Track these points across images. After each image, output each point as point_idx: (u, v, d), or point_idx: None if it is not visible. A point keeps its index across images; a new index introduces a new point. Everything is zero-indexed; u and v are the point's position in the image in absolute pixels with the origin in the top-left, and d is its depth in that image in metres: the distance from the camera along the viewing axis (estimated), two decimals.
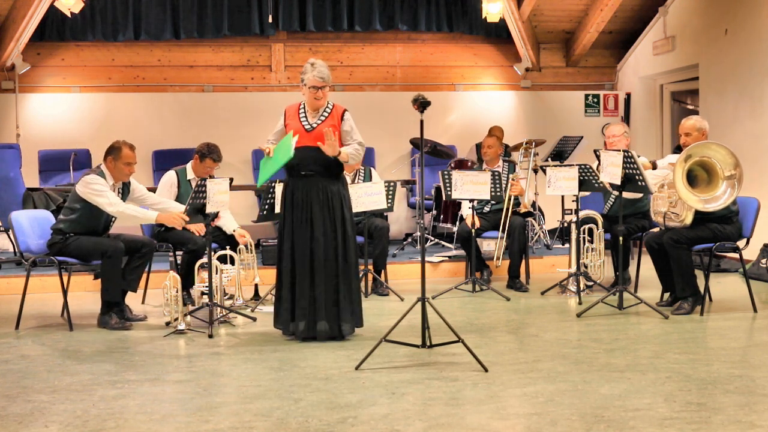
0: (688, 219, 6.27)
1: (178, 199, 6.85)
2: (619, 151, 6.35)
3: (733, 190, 6.02)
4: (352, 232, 5.62)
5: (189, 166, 7.10)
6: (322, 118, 5.57)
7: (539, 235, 9.30)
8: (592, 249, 7.19)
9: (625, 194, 6.55)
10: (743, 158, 6.25)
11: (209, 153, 7.00)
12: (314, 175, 5.50)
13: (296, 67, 10.82)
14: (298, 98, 5.76)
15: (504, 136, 9.87)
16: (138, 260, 6.19)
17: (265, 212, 6.54)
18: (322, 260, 5.47)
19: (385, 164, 10.72)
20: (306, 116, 5.58)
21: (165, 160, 10.01)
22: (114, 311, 6.11)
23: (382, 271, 7.67)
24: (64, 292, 6.24)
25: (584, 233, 7.18)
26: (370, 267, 7.37)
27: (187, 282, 6.59)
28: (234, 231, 6.98)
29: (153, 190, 9.18)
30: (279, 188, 6.26)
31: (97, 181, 6.07)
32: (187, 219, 6.14)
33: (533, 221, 9.01)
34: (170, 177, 7.05)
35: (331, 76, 5.60)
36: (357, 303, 5.63)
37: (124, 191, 6.30)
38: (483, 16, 10.09)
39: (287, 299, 5.54)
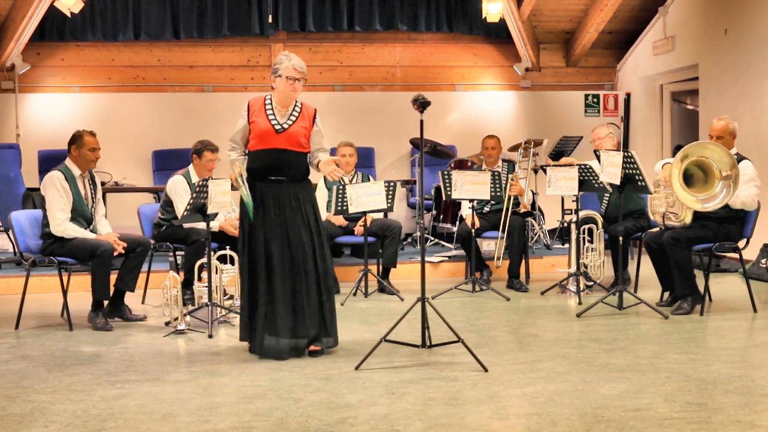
0: (688, 218, 6.28)
1: None
2: (619, 151, 6.36)
3: (729, 190, 6.01)
4: (326, 237, 5.33)
5: (191, 169, 7.01)
6: (293, 118, 5.22)
7: (539, 235, 9.30)
8: (591, 249, 7.19)
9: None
10: None
11: (205, 146, 6.93)
12: (284, 181, 5.13)
13: None
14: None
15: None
16: (133, 260, 6.17)
17: None
18: (302, 270, 5.08)
19: (385, 164, 10.71)
20: (274, 114, 5.22)
21: (165, 160, 10.01)
22: (102, 310, 6.08)
23: (390, 270, 7.58)
24: (64, 292, 6.24)
25: (584, 233, 7.18)
26: (371, 268, 7.36)
27: (190, 278, 6.56)
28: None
29: (153, 190, 9.26)
30: None
31: (56, 181, 5.98)
32: (125, 245, 6.01)
33: (533, 221, 9.01)
34: (182, 181, 6.87)
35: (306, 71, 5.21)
36: (334, 313, 5.25)
37: (93, 182, 6.26)
38: (483, 16, 10.09)
39: (261, 313, 5.10)
